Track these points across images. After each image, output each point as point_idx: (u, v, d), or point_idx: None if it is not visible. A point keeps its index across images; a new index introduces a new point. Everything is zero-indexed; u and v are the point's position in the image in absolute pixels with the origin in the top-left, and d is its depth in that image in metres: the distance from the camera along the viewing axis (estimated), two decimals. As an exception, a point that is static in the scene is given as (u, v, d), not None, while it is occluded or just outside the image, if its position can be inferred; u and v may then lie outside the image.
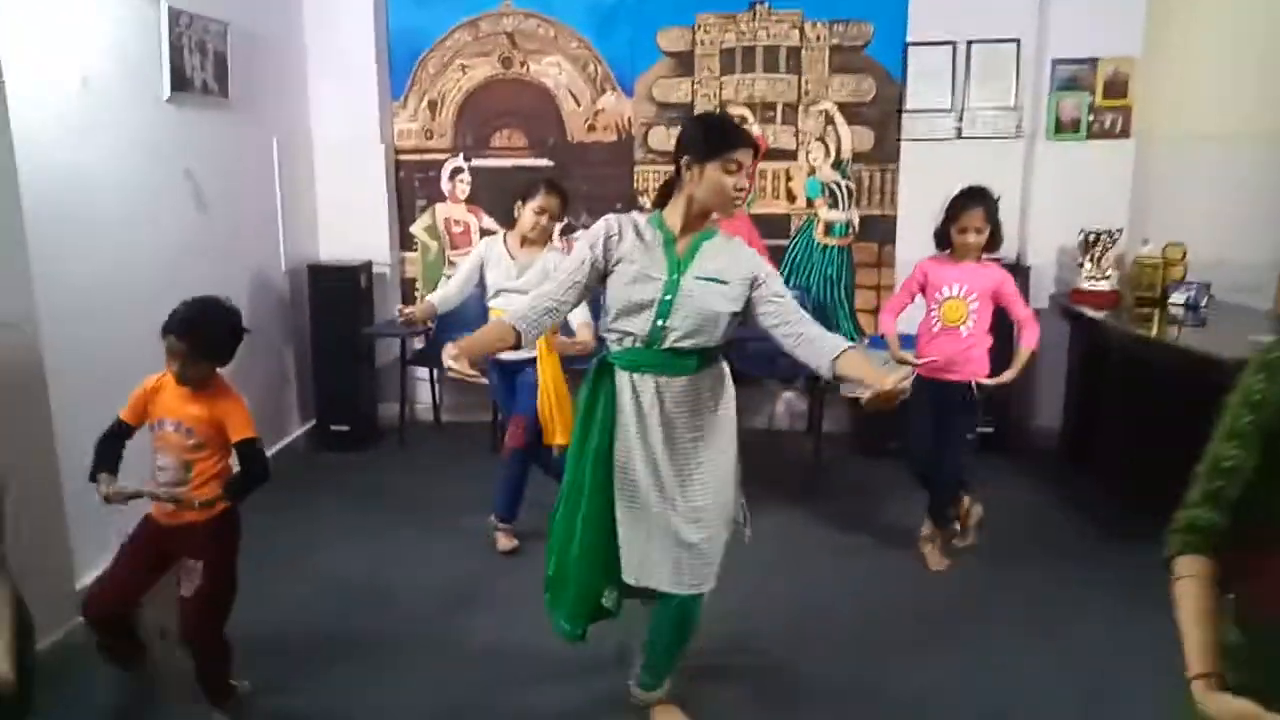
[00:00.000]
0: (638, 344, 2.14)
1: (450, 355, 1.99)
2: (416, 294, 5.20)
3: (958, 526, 3.49)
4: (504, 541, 3.54)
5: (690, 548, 2.17)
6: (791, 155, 4.83)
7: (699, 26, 4.79)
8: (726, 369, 2.27)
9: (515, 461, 3.51)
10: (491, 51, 4.95)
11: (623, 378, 2.18)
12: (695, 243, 2.16)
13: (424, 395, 5.28)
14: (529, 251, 3.48)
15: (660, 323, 2.10)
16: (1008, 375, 3.28)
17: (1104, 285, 4.28)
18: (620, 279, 2.13)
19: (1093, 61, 4.46)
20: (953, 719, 2.53)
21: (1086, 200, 4.47)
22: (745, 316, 2.18)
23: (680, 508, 2.16)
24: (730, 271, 2.14)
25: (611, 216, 2.20)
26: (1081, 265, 4.35)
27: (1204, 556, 1.26)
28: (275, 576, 3.22)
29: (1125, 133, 4.48)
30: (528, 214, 3.44)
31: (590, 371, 2.26)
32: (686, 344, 2.12)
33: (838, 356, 2.03)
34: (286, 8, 4.74)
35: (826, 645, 2.88)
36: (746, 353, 4.68)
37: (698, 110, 4.81)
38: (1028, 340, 3.27)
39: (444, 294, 3.62)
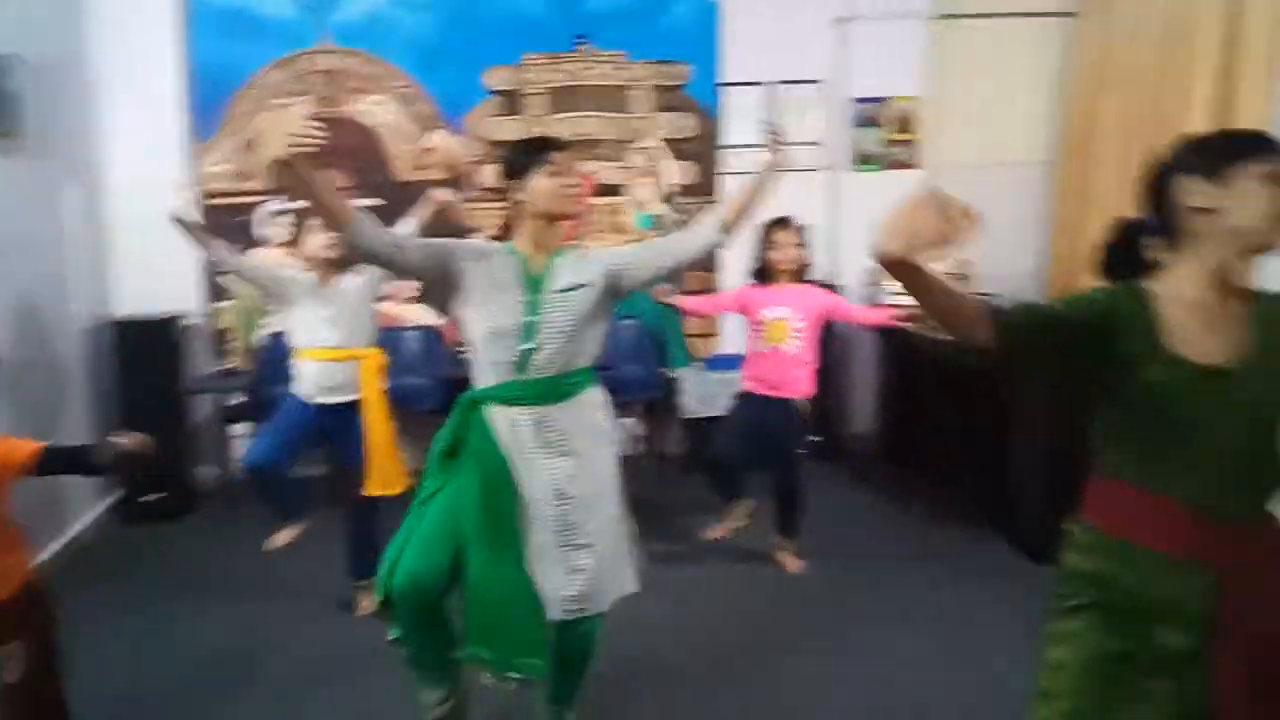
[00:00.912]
0: (508, 375, 2.10)
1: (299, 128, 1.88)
2: (231, 345, 4.87)
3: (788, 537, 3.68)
4: (367, 603, 3.30)
5: (584, 571, 2.13)
6: (621, 190, 4.99)
7: (525, 66, 4.87)
8: (600, 388, 2.25)
9: (367, 514, 3.29)
10: (310, 90, 4.78)
11: (495, 413, 2.11)
12: (549, 261, 2.15)
13: (240, 454, 4.91)
14: (334, 278, 3.19)
15: (526, 345, 2.07)
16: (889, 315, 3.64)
17: (908, 300, 4.70)
18: (475, 303, 2.10)
19: (885, 100, 4.95)
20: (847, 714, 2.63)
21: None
22: (625, 300, 2.22)
23: (573, 537, 2.13)
24: (586, 274, 2.14)
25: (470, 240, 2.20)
26: (883, 283, 4.76)
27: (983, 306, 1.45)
28: (101, 668, 2.85)
29: (915, 164, 4.99)
30: (313, 235, 3.16)
31: (456, 409, 2.17)
32: (558, 367, 2.10)
33: (720, 219, 2.17)
34: (78, 42, 4.37)
35: (708, 659, 2.92)
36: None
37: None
38: (877, 317, 3.70)
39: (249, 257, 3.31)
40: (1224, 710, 1.35)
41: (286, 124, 1.88)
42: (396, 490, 3.18)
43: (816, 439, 4.76)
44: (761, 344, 3.45)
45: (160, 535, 4.20)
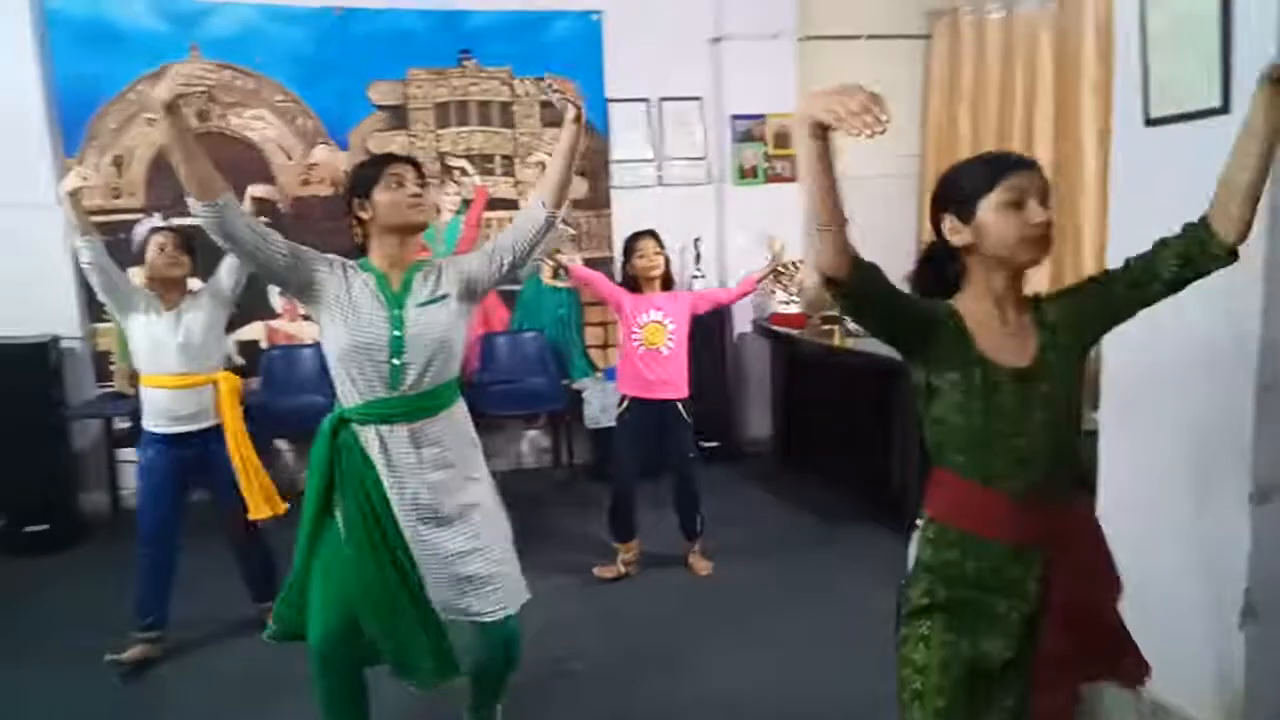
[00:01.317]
0: (378, 393, 2.09)
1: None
2: (112, 367, 4.71)
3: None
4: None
5: (486, 578, 2.17)
6: (514, 204, 5.06)
7: (410, 81, 4.87)
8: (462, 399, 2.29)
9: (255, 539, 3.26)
10: (184, 104, 4.64)
11: (367, 432, 2.10)
12: (407, 275, 2.16)
13: (131, 480, 4.74)
14: (174, 300, 3.11)
15: (396, 361, 2.07)
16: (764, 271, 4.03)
17: (795, 308, 5.00)
18: (335, 319, 2.08)
19: (762, 117, 5.21)
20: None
21: (770, 236, 5.18)
22: (480, 297, 2.24)
23: (461, 546, 2.15)
24: (444, 285, 2.17)
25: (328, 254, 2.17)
26: (773, 293, 5.03)
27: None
28: None
29: (794, 177, 5.27)
30: (152, 254, 3.10)
31: (322, 432, 2.15)
32: (429, 380, 2.11)
33: (541, 196, 2.16)
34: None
35: (628, 657, 3.08)
36: (488, 394, 4.83)
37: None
38: (736, 291, 3.97)
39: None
40: (1041, 678, 1.55)
41: (180, 70, 1.82)
42: (278, 511, 3.13)
43: (714, 444, 5.02)
44: (640, 347, 3.61)
45: (45, 567, 4.04)
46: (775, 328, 4.96)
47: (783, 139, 5.23)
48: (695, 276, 5.18)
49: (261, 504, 3.11)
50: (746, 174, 5.22)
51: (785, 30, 5.09)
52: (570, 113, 2.14)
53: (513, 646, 2.33)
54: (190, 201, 1.91)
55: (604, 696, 2.85)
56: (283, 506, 3.15)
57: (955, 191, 1.59)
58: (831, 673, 2.93)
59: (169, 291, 3.08)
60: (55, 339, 4.38)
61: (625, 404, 3.68)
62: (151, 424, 3.08)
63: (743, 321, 5.24)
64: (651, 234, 3.70)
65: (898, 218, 5.47)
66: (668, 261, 3.71)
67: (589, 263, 5.14)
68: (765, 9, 5.05)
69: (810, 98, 1.40)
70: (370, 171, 2.13)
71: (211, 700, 2.90)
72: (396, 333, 2.07)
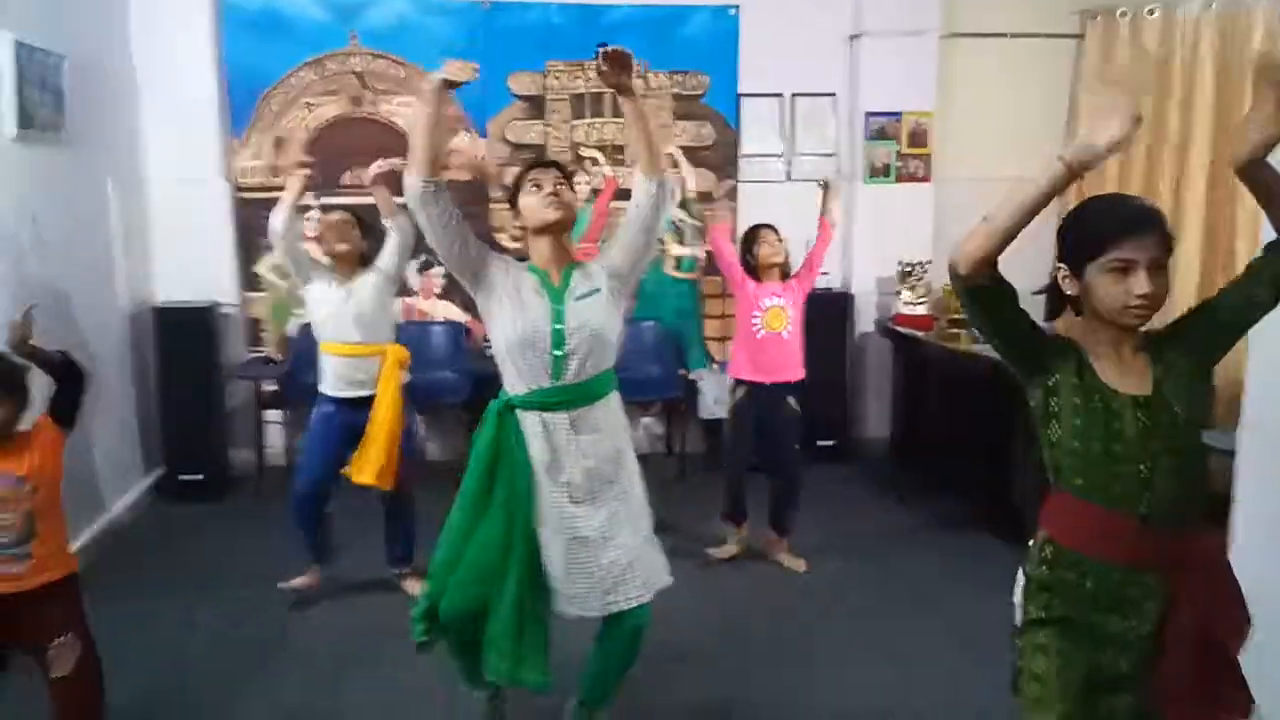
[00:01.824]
0: (542, 382, 2.20)
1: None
2: (263, 334, 5.07)
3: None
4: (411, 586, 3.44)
5: (626, 565, 2.25)
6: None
7: (549, 72, 5.03)
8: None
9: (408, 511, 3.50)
10: (340, 90, 4.95)
11: (531, 418, 2.22)
12: (566, 272, 2.27)
13: (275, 439, 5.12)
14: (350, 275, 3.35)
15: (558, 352, 2.19)
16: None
17: (921, 309, 4.90)
18: (503, 313, 2.21)
19: (898, 115, 5.12)
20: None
21: (898, 236, 5.09)
22: (639, 293, 2.35)
23: (607, 531, 2.24)
24: (596, 279, 2.27)
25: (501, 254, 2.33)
26: (899, 293, 4.95)
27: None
28: (140, 648, 3.02)
29: (926, 177, 5.16)
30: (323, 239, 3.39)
31: (490, 416, 2.27)
32: (589, 370, 2.22)
33: (639, 172, 2.22)
34: (118, 41, 4.53)
35: (736, 658, 3.09)
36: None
37: (550, 150, 5.04)
38: (821, 246, 3.83)
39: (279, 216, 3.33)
40: (1160, 699, 1.55)
41: (453, 63, 2.09)
42: (383, 486, 3.31)
43: (830, 442, 4.99)
44: (760, 330, 3.66)
45: (197, 516, 4.41)
46: (899, 328, 4.88)
47: (917, 137, 5.13)
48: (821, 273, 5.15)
49: (369, 470, 3.25)
50: (877, 172, 5.14)
51: (928, 27, 4.98)
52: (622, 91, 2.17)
53: (639, 638, 2.35)
54: (409, 178, 2.11)
55: (712, 684, 2.91)
56: (388, 484, 3.33)
57: (1069, 244, 1.60)
58: (937, 682, 2.91)
59: (343, 266, 3.33)
60: (215, 305, 4.75)
61: (740, 389, 3.72)
62: (325, 387, 3.36)
63: (865, 321, 5.18)
64: (771, 227, 3.79)
65: (1038, 220, 5.28)
66: (787, 253, 3.76)
67: (711, 256, 5.21)
68: (908, 5, 4.96)
69: (1093, 130, 1.42)
70: (517, 182, 2.28)
71: (339, 655, 3.10)
72: (558, 326, 2.19)
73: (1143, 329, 1.60)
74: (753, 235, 3.76)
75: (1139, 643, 1.56)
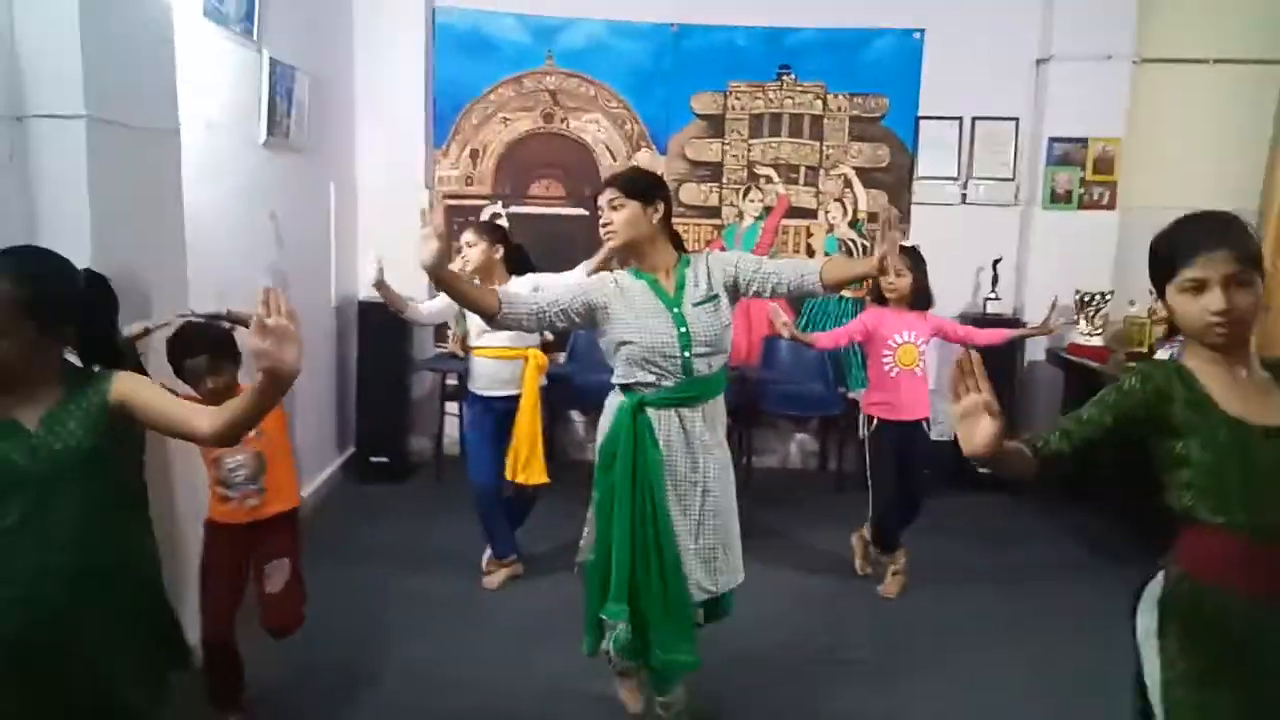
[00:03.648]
0: (672, 381, 2.34)
1: (426, 233, 2.13)
2: (448, 332, 5.44)
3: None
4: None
5: (718, 550, 2.42)
6: (812, 214, 5.25)
7: (730, 92, 5.20)
8: None
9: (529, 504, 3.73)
10: (534, 107, 5.28)
11: (664, 414, 2.36)
12: (677, 276, 2.40)
13: (451, 429, 5.48)
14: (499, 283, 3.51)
15: (688, 354, 2.32)
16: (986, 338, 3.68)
17: (1097, 340, 4.78)
18: (629, 328, 2.34)
19: (1083, 141, 5.01)
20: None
21: (1076, 264, 4.97)
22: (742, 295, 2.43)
23: (714, 520, 2.42)
24: (714, 285, 2.39)
25: (600, 274, 2.47)
26: (1077, 322, 4.84)
27: (1030, 448, 1.59)
28: (347, 607, 3.36)
29: (1111, 205, 5.03)
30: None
31: (624, 415, 2.38)
32: (713, 367, 2.38)
33: (821, 273, 2.30)
34: (340, 57, 5.00)
35: (856, 673, 3.12)
36: (766, 393, 5.05)
37: (726, 167, 5.21)
38: (986, 337, 3.70)
39: (428, 306, 3.74)
40: None
41: (424, 240, 2.13)
42: (537, 481, 3.52)
43: (987, 470, 4.89)
44: (893, 369, 3.60)
45: (383, 496, 4.79)
46: (1072, 358, 4.76)
47: (1103, 164, 5.00)
48: (989, 298, 5.09)
49: (520, 469, 3.49)
50: (1059, 198, 5.05)
51: (1121, 51, 4.86)
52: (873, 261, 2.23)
53: (726, 617, 2.58)
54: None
55: (788, 692, 2.97)
56: (542, 479, 3.54)
57: (1154, 266, 1.60)
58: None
59: (487, 278, 3.57)
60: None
61: (874, 424, 3.64)
62: (476, 386, 3.65)
63: (1035, 349, 5.08)
64: (913, 250, 3.62)
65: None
66: (923, 278, 3.59)
67: (881, 276, 5.25)
68: (1101, 28, 4.85)
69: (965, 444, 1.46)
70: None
71: (525, 628, 3.35)
72: (682, 329, 2.33)
73: (1264, 356, 1.58)
74: None
75: None
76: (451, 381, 5.27)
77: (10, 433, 1.56)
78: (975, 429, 1.44)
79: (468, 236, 3.59)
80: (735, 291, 2.42)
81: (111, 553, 1.63)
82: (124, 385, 1.63)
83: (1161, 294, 1.59)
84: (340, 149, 5.00)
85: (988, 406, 1.42)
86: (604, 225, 2.38)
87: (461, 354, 5.32)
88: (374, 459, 5.00)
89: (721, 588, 2.45)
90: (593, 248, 3.57)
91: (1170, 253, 1.56)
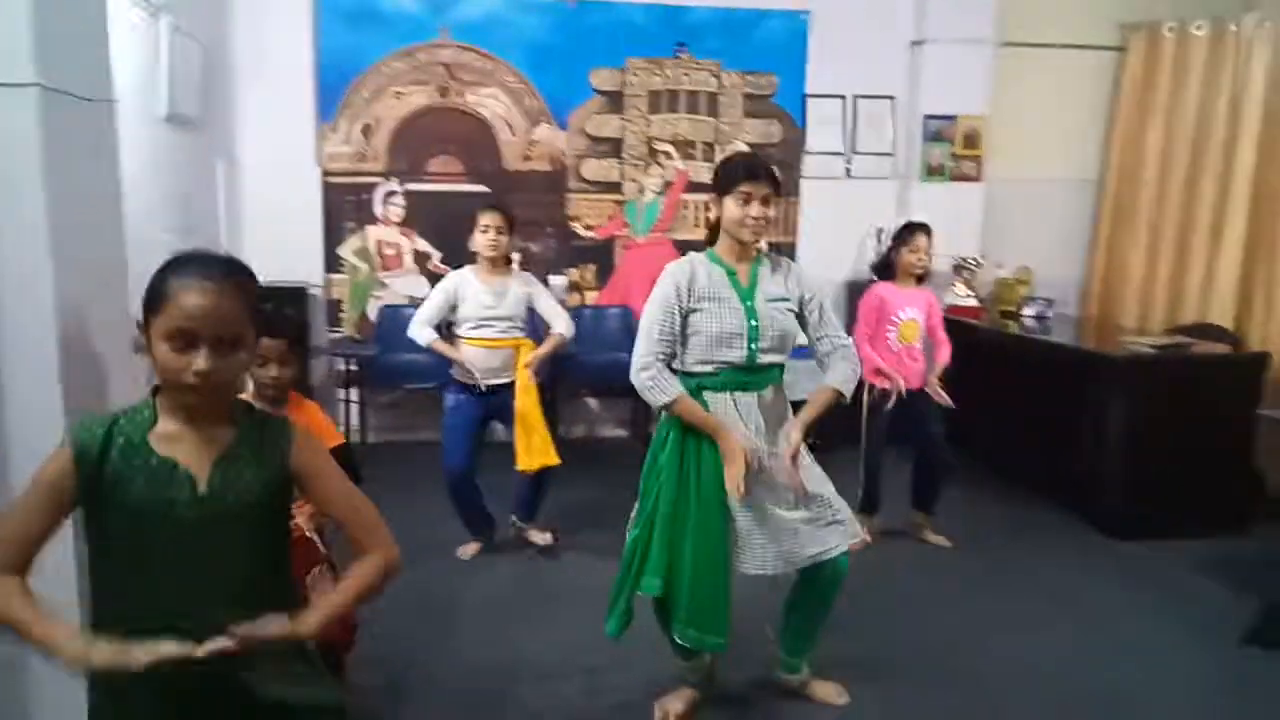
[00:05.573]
0: (735, 367, 2.42)
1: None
2: (342, 315, 5.24)
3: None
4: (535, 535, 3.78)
5: (798, 524, 2.43)
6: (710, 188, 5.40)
7: (628, 68, 5.26)
8: None
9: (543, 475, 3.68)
10: (428, 80, 5.14)
11: (723, 399, 2.43)
12: (753, 271, 2.46)
13: (353, 418, 5.29)
14: (499, 277, 3.54)
15: (754, 346, 2.41)
16: (934, 385, 3.77)
17: (973, 301, 5.22)
18: (706, 317, 2.40)
19: (953, 118, 5.42)
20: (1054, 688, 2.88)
21: (950, 231, 5.37)
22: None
23: (787, 496, 2.43)
24: (790, 292, 2.49)
25: (673, 266, 2.44)
26: (954, 285, 5.26)
27: None
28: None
29: (979, 177, 5.48)
30: (477, 235, 3.49)
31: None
32: (775, 358, 2.47)
33: (824, 382, 2.47)
34: (225, 24, 4.68)
35: (913, 627, 3.24)
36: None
37: (626, 143, 5.28)
38: (944, 357, 3.86)
39: (432, 335, 3.53)
40: None
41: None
42: (548, 463, 3.52)
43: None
44: (895, 343, 3.74)
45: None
46: (950, 317, 5.15)
47: (970, 139, 5.44)
48: (872, 264, 5.43)
49: (527, 457, 3.48)
50: (933, 171, 5.45)
51: (986, 36, 5.29)
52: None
53: (836, 587, 2.55)
54: None
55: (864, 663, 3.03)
56: (554, 459, 3.53)
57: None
58: (1069, 655, 3.06)
59: (493, 266, 3.52)
60: (304, 286, 4.91)
61: (873, 391, 3.74)
62: (462, 375, 3.52)
63: (919, 313, 5.49)
64: (925, 229, 3.79)
65: (1074, 220, 5.64)
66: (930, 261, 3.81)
67: (772, 247, 5.48)
68: (967, 14, 5.25)
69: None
70: (727, 178, 2.43)
71: (503, 606, 3.34)
72: (753, 322, 2.41)
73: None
74: (904, 236, 3.80)
75: None
76: (353, 368, 5.09)
77: (181, 483, 1.38)
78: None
79: (492, 220, 3.48)
80: (798, 311, 2.51)
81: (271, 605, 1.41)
82: (303, 458, 1.47)
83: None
84: (223, 125, 4.69)
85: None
86: (755, 220, 2.38)
87: (359, 337, 5.17)
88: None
89: (832, 551, 2.46)
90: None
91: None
